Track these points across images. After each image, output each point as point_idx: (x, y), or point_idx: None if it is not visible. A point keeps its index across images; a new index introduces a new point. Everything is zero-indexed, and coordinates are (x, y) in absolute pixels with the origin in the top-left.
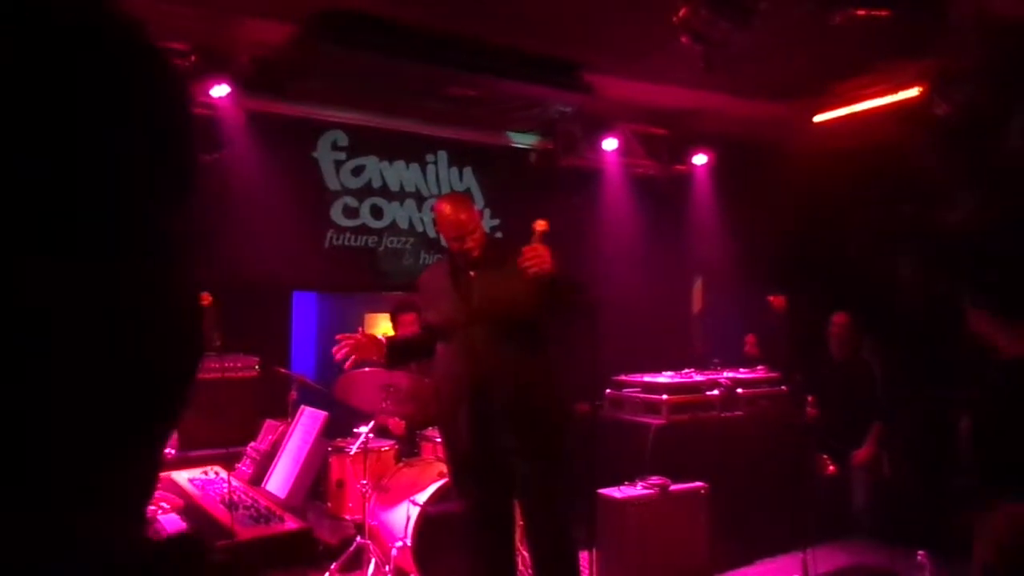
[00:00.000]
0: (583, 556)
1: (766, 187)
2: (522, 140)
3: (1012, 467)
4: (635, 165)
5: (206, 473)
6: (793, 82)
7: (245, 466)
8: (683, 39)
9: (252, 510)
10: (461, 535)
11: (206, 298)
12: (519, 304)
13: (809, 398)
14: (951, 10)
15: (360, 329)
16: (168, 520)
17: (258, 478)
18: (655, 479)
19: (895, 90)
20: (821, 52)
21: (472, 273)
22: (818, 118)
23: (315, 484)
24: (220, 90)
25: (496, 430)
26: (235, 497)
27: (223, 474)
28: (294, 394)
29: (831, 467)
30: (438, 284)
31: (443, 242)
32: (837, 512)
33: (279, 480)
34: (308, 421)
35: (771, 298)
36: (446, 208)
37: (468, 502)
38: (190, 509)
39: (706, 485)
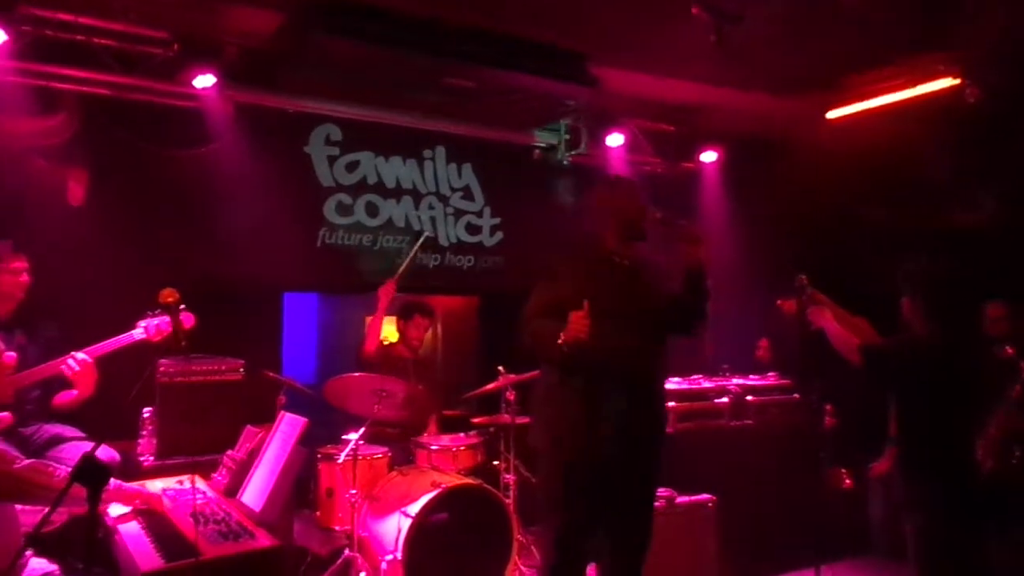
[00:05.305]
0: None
1: (777, 186)
2: (524, 136)
3: None
4: (642, 163)
5: (181, 483)
6: (806, 76)
7: (221, 475)
8: (694, 10)
9: (222, 525)
10: (455, 550)
11: (172, 294)
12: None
13: (828, 407)
14: None
15: None
16: (127, 530)
17: (233, 489)
18: (661, 491)
19: (914, 84)
20: (835, 44)
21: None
22: (832, 114)
23: (304, 492)
24: (204, 80)
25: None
26: (206, 510)
27: (200, 484)
28: (283, 399)
29: (848, 481)
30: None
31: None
32: (853, 528)
33: (254, 492)
34: (287, 428)
35: (780, 302)
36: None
37: (571, 521)
38: (157, 521)
39: (714, 498)
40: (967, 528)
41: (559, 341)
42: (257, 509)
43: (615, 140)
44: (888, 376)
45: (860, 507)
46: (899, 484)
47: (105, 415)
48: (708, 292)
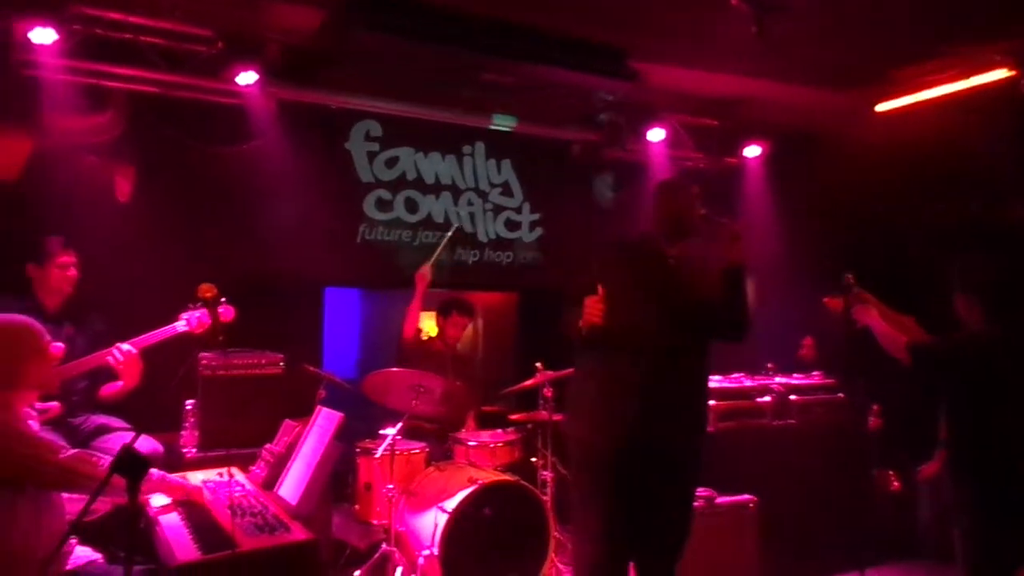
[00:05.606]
0: None
1: (823, 181)
2: (563, 131)
3: None
4: (683, 158)
5: (221, 475)
6: (853, 68)
7: (259, 468)
8: (732, 1)
9: (259, 518)
10: (492, 546)
11: (210, 289)
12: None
13: (874, 407)
14: None
15: None
16: (167, 521)
17: (271, 482)
18: (701, 490)
19: (967, 75)
20: (884, 34)
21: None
22: (881, 107)
23: (343, 486)
24: (247, 77)
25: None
26: (243, 503)
27: (239, 476)
28: (323, 393)
29: (895, 483)
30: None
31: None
32: (901, 531)
33: (291, 486)
34: (323, 423)
35: (826, 300)
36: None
37: (600, 520)
38: (196, 513)
39: (755, 498)
40: (1019, 532)
41: (579, 325)
42: (293, 502)
43: (656, 135)
44: (938, 375)
45: (908, 510)
46: (948, 486)
47: (150, 407)
48: (746, 291)
